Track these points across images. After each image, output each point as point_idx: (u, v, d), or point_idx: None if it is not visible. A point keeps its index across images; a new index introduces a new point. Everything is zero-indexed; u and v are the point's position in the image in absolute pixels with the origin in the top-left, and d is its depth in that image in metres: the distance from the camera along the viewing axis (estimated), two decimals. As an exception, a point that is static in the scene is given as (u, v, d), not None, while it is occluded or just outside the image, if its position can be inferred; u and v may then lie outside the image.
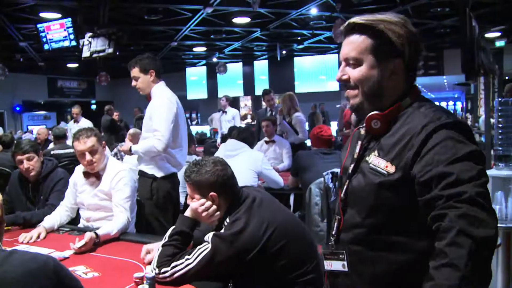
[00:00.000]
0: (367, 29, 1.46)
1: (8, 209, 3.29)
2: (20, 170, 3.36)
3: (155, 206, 3.60)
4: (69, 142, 6.87)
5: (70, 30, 9.34)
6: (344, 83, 1.52)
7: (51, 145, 7.12)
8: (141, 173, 3.67)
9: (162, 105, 3.60)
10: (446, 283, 1.14)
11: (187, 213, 2.20)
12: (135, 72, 3.69)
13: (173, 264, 2.01)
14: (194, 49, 14.83)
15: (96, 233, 2.61)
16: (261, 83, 16.96)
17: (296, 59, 16.77)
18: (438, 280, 1.15)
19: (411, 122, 1.41)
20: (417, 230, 1.38)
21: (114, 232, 2.74)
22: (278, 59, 14.46)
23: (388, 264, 1.43)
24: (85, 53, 9.41)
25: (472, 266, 1.13)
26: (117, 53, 9.27)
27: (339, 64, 1.56)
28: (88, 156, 2.98)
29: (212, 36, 12.74)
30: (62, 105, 20.78)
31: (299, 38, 13.79)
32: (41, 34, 9.60)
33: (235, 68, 17.64)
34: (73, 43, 9.42)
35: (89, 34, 9.33)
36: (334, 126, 10.51)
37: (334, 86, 16.01)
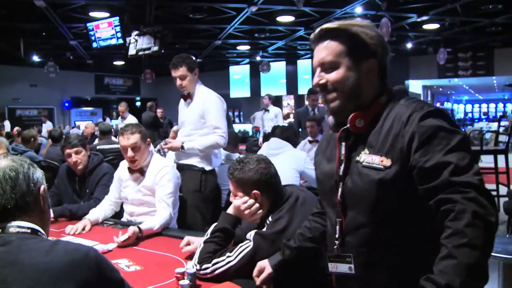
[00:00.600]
0: (341, 33, 1.52)
1: (56, 201, 3.39)
2: (68, 163, 3.45)
3: (201, 199, 3.69)
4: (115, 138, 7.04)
5: (118, 28, 9.59)
6: (322, 88, 1.56)
7: (97, 140, 7.30)
8: (188, 167, 3.73)
9: (215, 102, 3.75)
10: (468, 262, 1.19)
11: (230, 210, 2.19)
12: (182, 71, 3.71)
13: (214, 261, 2.00)
14: (238, 47, 14.91)
15: (139, 228, 2.65)
16: (304, 83, 16.85)
17: (339, 58, 16.54)
18: (460, 259, 1.20)
19: (394, 115, 1.46)
20: (423, 222, 1.42)
21: (156, 227, 2.77)
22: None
23: (399, 262, 1.45)
24: (131, 51, 9.63)
25: (487, 246, 1.23)
26: (162, 51, 9.42)
27: (312, 72, 1.60)
28: (129, 152, 3.02)
29: (256, 35, 12.76)
30: (108, 101, 21.34)
31: (343, 37, 13.61)
32: (90, 32, 9.90)
33: (279, 67, 17.60)
34: (120, 41, 9.66)
35: (136, 32, 9.54)
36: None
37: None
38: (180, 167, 3.71)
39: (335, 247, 1.56)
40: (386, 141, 1.44)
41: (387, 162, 1.42)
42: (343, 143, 1.55)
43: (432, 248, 1.30)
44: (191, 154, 3.73)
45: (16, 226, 1.31)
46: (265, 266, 1.93)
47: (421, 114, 1.39)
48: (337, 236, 1.56)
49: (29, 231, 1.32)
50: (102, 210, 3.14)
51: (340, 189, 1.54)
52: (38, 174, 1.41)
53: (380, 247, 1.47)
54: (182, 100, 3.92)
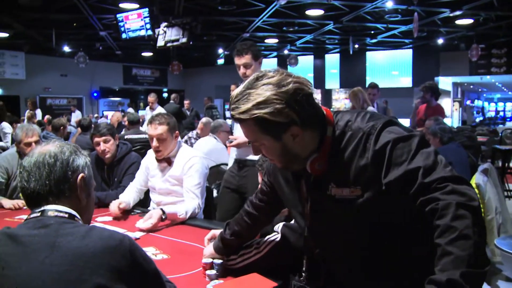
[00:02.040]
0: (248, 120, 1.42)
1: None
2: (97, 151, 3.49)
3: None
4: (143, 128, 7.10)
5: (147, 20, 9.65)
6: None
7: (124, 130, 7.38)
8: (253, 163, 3.38)
9: None
10: (464, 253, 1.17)
11: (257, 202, 2.17)
12: (247, 58, 3.48)
13: (242, 252, 2.00)
14: (266, 40, 14.86)
15: (162, 210, 2.67)
16: (332, 77, 16.74)
17: (368, 53, 16.37)
18: (457, 253, 1.18)
19: (348, 144, 1.46)
20: (412, 243, 1.45)
21: (181, 213, 2.78)
22: (351, 53, 14.17)
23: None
24: (160, 42, 9.70)
25: (477, 231, 1.20)
26: (191, 43, 9.46)
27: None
28: (154, 142, 3.04)
29: (284, 28, 12.71)
30: (136, 92, 21.55)
31: (372, 32, 13.45)
32: (119, 23, 10.00)
33: (306, 61, 17.52)
34: (149, 32, 9.72)
35: (164, 24, 9.60)
36: (404, 123, 10.18)
37: (407, 82, 15.50)
38: (243, 163, 3.52)
39: (302, 278, 1.66)
40: (350, 173, 1.44)
41: (357, 191, 1.43)
42: (302, 181, 1.57)
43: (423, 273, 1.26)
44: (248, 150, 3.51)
45: (55, 210, 1.32)
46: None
47: (374, 136, 1.40)
48: (304, 268, 1.68)
49: (66, 215, 1.33)
50: (131, 197, 3.18)
51: (309, 227, 1.59)
52: (80, 161, 1.41)
53: (367, 277, 1.53)
54: None
